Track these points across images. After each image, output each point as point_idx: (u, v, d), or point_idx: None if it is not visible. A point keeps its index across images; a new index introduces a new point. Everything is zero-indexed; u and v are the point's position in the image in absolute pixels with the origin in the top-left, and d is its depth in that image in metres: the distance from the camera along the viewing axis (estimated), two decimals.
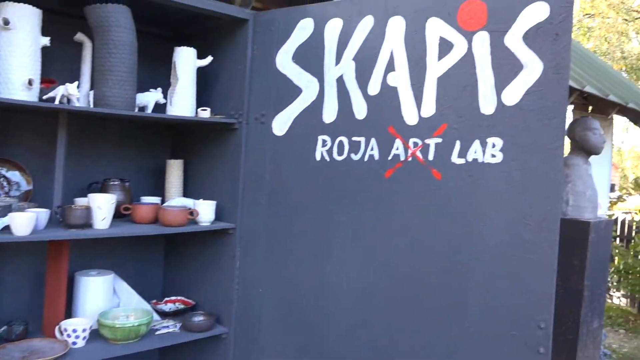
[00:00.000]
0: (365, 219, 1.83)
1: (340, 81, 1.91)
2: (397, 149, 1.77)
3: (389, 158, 1.78)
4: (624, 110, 5.71)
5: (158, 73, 2.27)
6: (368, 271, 1.82)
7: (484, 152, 1.61)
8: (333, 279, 1.90)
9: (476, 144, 1.63)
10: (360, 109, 1.85)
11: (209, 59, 2.17)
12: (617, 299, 8.71)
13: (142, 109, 2.09)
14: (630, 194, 8.39)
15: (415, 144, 1.73)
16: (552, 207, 1.50)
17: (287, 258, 2.00)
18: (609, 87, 5.32)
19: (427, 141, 1.71)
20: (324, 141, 1.93)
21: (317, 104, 1.95)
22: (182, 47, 2.10)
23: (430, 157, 1.70)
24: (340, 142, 1.89)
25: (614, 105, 5.15)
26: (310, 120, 1.97)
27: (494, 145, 1.60)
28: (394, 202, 1.77)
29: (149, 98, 2.09)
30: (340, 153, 1.89)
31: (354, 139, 1.86)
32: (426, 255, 1.69)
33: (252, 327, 2.06)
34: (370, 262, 1.82)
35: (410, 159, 1.74)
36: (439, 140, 1.69)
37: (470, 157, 1.64)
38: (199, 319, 2.11)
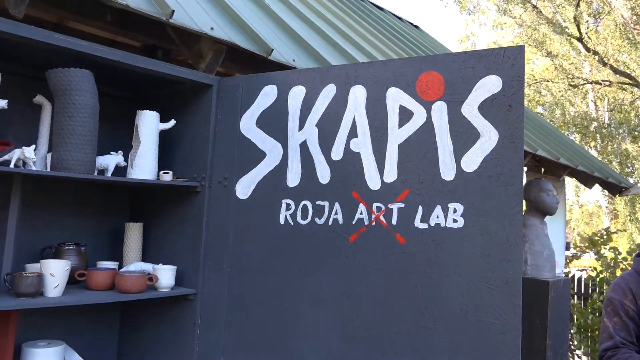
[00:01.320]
0: (330, 283, 1.81)
1: (303, 146, 1.93)
2: (361, 213, 1.78)
3: (353, 222, 1.79)
4: (573, 172, 5.99)
5: (119, 135, 2.25)
6: (334, 337, 1.78)
7: (445, 217, 1.64)
8: (298, 345, 1.84)
9: (438, 209, 1.66)
10: (324, 174, 1.88)
11: (172, 122, 2.17)
12: (578, 357, 8.77)
13: (102, 172, 2.06)
14: (584, 252, 8.63)
15: (379, 209, 1.75)
16: (514, 270, 1.53)
17: (250, 324, 1.94)
18: (559, 150, 5.59)
19: (390, 206, 1.73)
20: (287, 205, 1.93)
21: (281, 168, 1.96)
22: (145, 111, 2.10)
23: (394, 221, 1.72)
24: (304, 206, 1.90)
25: (565, 167, 5.40)
26: (274, 184, 1.97)
27: (455, 211, 1.63)
28: (358, 266, 1.76)
29: (109, 161, 2.06)
30: (304, 217, 1.89)
31: (318, 203, 1.87)
32: (391, 320, 1.68)
33: None
34: (336, 327, 1.78)
35: (374, 223, 1.75)
36: (402, 205, 1.72)
37: (432, 221, 1.66)
38: None
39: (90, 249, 2.18)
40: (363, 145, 1.81)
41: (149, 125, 2.10)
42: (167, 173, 2.12)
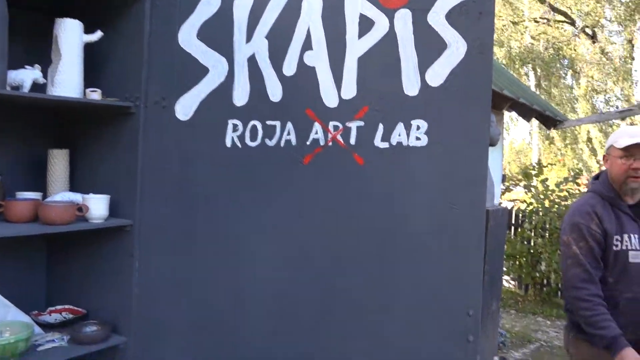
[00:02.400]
0: (283, 209, 1.68)
1: (252, 60, 1.74)
2: (316, 133, 1.64)
3: (308, 143, 1.65)
4: (514, 105, 6.10)
5: (37, 51, 1.95)
6: (287, 267, 1.68)
7: (408, 135, 1.54)
8: (248, 277, 1.73)
9: (400, 127, 1.55)
10: (274, 91, 1.70)
11: (99, 34, 1.90)
12: (507, 282, 9.36)
13: (16, 88, 1.78)
14: (517, 184, 9.01)
15: (336, 128, 1.62)
16: (478, 190, 1.46)
17: (195, 256, 1.80)
18: (503, 83, 5.64)
19: (348, 124, 1.60)
20: (235, 126, 1.75)
21: (227, 86, 1.77)
22: (65, 19, 1.82)
23: (352, 141, 1.60)
24: (254, 127, 1.73)
25: (507, 99, 5.46)
26: (219, 104, 1.78)
27: (418, 128, 1.53)
28: (313, 190, 1.64)
29: (24, 76, 1.78)
30: (253, 139, 1.73)
31: (269, 123, 1.71)
32: (350, 246, 1.59)
33: (156, 335, 1.83)
34: (290, 257, 1.68)
35: (330, 143, 1.62)
36: (361, 123, 1.59)
37: (394, 140, 1.55)
38: (91, 329, 1.84)
39: (9, 179, 1.93)
40: (318, 58, 1.64)
41: (71, 35, 1.82)
42: (95, 91, 1.87)
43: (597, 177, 2.64)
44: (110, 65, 1.97)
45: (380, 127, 1.56)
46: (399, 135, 1.55)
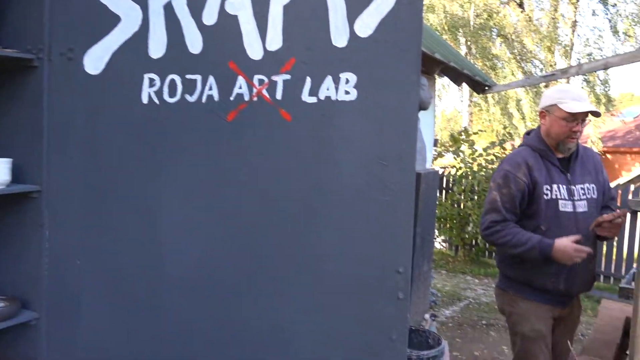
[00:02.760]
0: (205, 169, 1.58)
1: (168, 8, 1.59)
2: (240, 87, 1.53)
3: (231, 98, 1.54)
4: (445, 70, 6.17)
5: None
6: (210, 230, 1.58)
7: (337, 89, 1.46)
8: (167, 244, 1.62)
9: (328, 80, 1.47)
10: (194, 42, 1.57)
11: None
12: (438, 244, 9.69)
13: None
14: (448, 151, 9.27)
15: (261, 82, 1.52)
16: (408, 145, 1.41)
17: (110, 222, 1.66)
18: (434, 46, 5.67)
19: (274, 78, 1.51)
20: (151, 80, 1.61)
21: (141, 36, 1.62)
22: None
23: (279, 96, 1.50)
24: (172, 81, 1.59)
25: (438, 63, 5.51)
26: (132, 56, 1.62)
27: (347, 81, 1.45)
28: (238, 148, 1.54)
29: None
30: (172, 94, 1.60)
31: (189, 77, 1.58)
32: (277, 205, 1.51)
33: (70, 308, 1.69)
34: (213, 219, 1.58)
35: (255, 98, 1.52)
36: (288, 76, 1.50)
37: (322, 94, 1.47)
38: None
39: None
40: (241, 6, 1.52)
41: None
42: None
43: (528, 133, 2.73)
44: (8, 13, 1.76)
45: (308, 80, 1.48)
46: (328, 90, 1.47)
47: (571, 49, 15.02)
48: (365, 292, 1.44)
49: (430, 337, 2.07)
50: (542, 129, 2.55)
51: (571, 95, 2.47)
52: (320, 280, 1.47)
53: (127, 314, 1.66)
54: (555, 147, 2.55)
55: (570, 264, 2.36)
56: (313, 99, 1.48)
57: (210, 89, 1.56)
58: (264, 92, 1.51)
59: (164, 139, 1.61)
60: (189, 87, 1.58)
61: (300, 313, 1.49)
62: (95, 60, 1.65)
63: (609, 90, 14.91)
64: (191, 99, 1.58)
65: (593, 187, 2.60)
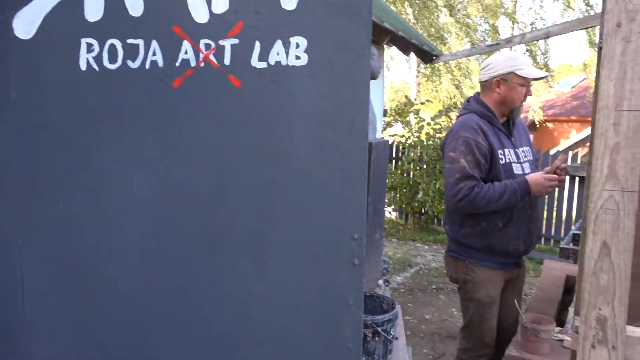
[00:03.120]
0: (151, 139, 1.51)
1: None
2: (186, 52, 1.47)
3: (177, 64, 1.47)
4: (393, 40, 6.18)
5: None
6: (159, 202, 1.53)
7: (287, 53, 1.42)
8: (115, 218, 1.56)
9: (278, 45, 1.42)
10: (134, 4, 1.48)
11: None
12: (389, 212, 9.87)
13: None
14: (397, 121, 9.37)
15: (208, 46, 1.45)
16: (361, 111, 1.40)
17: (52, 197, 1.58)
18: (383, 15, 5.65)
19: (221, 42, 1.45)
20: (89, 45, 1.51)
21: None
22: None
23: (227, 61, 1.45)
24: (112, 46, 1.50)
25: (387, 32, 5.50)
26: (67, 19, 1.52)
27: (297, 46, 1.41)
28: (185, 116, 1.48)
29: None
30: (112, 60, 1.51)
31: (130, 41, 1.49)
32: (228, 175, 1.47)
33: (12, 291, 1.61)
34: (162, 192, 1.52)
35: (202, 64, 1.46)
36: (236, 41, 1.44)
37: (272, 59, 1.43)
38: None
39: None
40: None
41: None
42: None
43: (468, 101, 2.77)
44: None
45: (257, 45, 1.43)
46: (278, 54, 1.43)
47: (514, 22, 15.35)
48: (321, 259, 1.44)
49: (384, 302, 2.10)
50: (495, 96, 2.59)
51: (524, 62, 2.56)
52: (276, 249, 1.46)
53: (75, 294, 1.59)
54: (507, 114, 2.63)
55: (545, 195, 2.47)
56: (263, 64, 1.43)
57: (154, 54, 1.48)
58: (211, 57, 1.45)
59: (105, 108, 1.52)
60: (131, 52, 1.49)
61: (255, 282, 1.47)
62: (26, 23, 1.54)
63: (548, 60, 15.39)
64: (134, 65, 1.50)
65: (528, 150, 2.73)
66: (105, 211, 1.56)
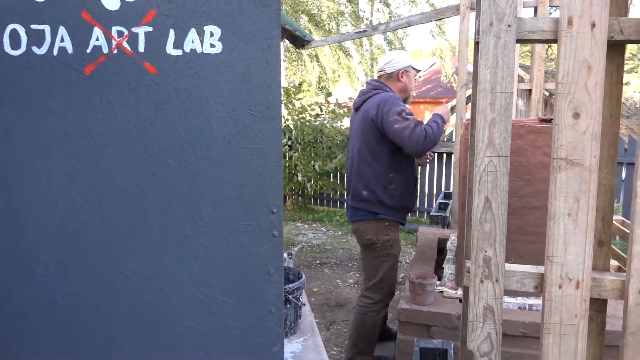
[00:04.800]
0: (65, 126, 1.50)
1: None
2: (97, 39, 1.48)
3: (88, 51, 1.48)
4: (291, 38, 6.32)
5: None
6: (75, 191, 1.53)
7: (202, 41, 1.50)
8: (27, 208, 1.53)
9: (192, 33, 1.50)
10: None
11: None
12: None
13: None
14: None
15: (120, 34, 1.48)
16: (274, 95, 1.53)
17: None
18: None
19: (134, 30, 1.48)
20: None
21: None
22: None
23: (141, 48, 1.49)
24: (14, 32, 1.46)
25: (283, 31, 5.61)
26: None
27: (212, 34, 1.50)
28: (100, 104, 1.50)
29: None
30: (15, 46, 1.47)
31: (35, 27, 1.46)
32: (146, 162, 1.52)
33: None
34: (78, 179, 1.52)
35: (115, 51, 1.48)
36: (149, 28, 1.48)
37: (187, 47, 1.50)
38: None
39: None
40: None
41: None
42: None
43: (378, 83, 3.12)
44: None
45: (172, 33, 1.49)
46: (193, 42, 1.50)
47: (372, 11, 16.23)
48: (243, 233, 1.56)
49: (291, 273, 2.27)
50: (400, 85, 3.14)
51: (412, 58, 3.18)
52: (200, 227, 1.55)
53: None
54: (403, 99, 3.09)
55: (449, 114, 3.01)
56: (178, 52, 1.50)
57: (62, 40, 1.47)
58: (125, 44, 1.48)
59: (11, 95, 1.48)
60: (36, 38, 1.46)
61: (181, 260, 1.55)
62: None
63: (404, 48, 16.58)
64: (40, 51, 1.47)
65: None
66: (14, 200, 1.52)
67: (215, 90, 1.52)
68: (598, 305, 1.50)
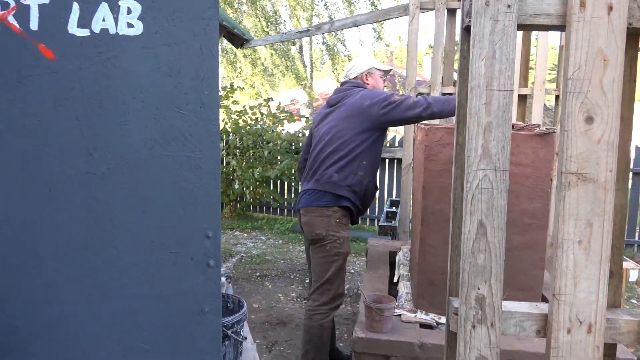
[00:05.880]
0: None
1: None
2: None
3: None
4: (230, 36, 5.94)
5: None
6: None
7: (116, 19, 1.17)
8: None
9: (104, 9, 1.16)
10: None
11: None
12: None
13: None
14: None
15: (5, 5, 1.12)
16: (210, 90, 1.22)
17: None
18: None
19: (24, 2, 1.13)
20: None
21: None
22: None
23: (34, 25, 1.14)
24: None
25: (221, 28, 5.24)
26: None
27: (129, 11, 1.17)
28: None
29: None
30: None
31: None
32: (39, 173, 1.17)
33: None
34: None
35: None
36: (45, 1, 1.14)
37: (96, 26, 1.17)
38: None
39: None
40: None
41: None
42: None
43: (353, 84, 3.08)
44: None
45: (75, 7, 1.15)
46: (104, 20, 1.17)
47: (313, 11, 16.02)
48: (169, 264, 1.23)
49: (230, 301, 1.95)
50: (369, 86, 3.16)
51: (376, 60, 3.28)
52: (112, 259, 1.21)
53: None
54: None
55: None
56: (84, 32, 1.16)
57: None
58: (11, 19, 1.13)
59: None
60: None
61: (86, 302, 1.21)
62: None
63: (339, 53, 16.43)
64: None
65: None
66: None
67: (134, 82, 1.19)
68: (607, 349, 1.27)
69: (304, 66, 16.31)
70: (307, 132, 8.60)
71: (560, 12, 1.10)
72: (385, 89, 3.41)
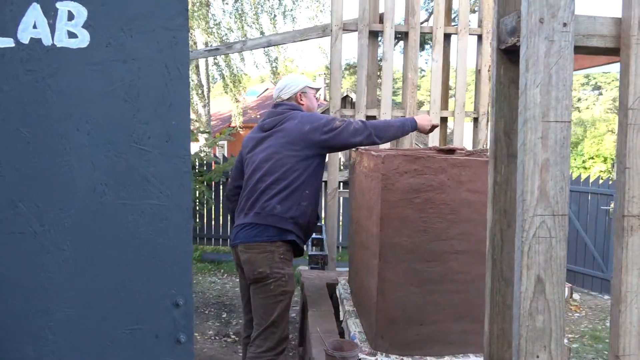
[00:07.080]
0: None
1: None
2: None
3: None
4: None
5: None
6: None
7: (52, 27, 0.89)
8: None
9: (35, 12, 0.88)
10: None
11: None
12: None
13: None
14: None
15: None
16: (180, 120, 0.97)
17: None
18: None
19: None
20: None
21: None
22: None
23: None
24: None
25: None
26: None
27: (71, 17, 0.89)
28: None
29: None
30: None
31: None
32: None
33: None
34: None
35: None
36: None
37: (24, 35, 0.87)
38: None
39: None
40: None
41: None
42: None
43: (289, 106, 2.98)
44: None
45: None
46: (35, 27, 0.88)
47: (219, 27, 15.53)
48: (128, 342, 0.94)
49: None
50: (304, 106, 3.00)
51: (307, 79, 3.20)
52: (52, 343, 0.90)
53: None
54: None
55: (429, 129, 2.91)
56: (8, 42, 0.86)
57: None
58: None
59: None
60: None
61: None
62: None
63: (241, 71, 16.01)
64: None
65: None
66: None
67: (77, 109, 0.91)
68: None
69: (201, 85, 15.81)
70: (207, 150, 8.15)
71: (614, 34, 0.99)
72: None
